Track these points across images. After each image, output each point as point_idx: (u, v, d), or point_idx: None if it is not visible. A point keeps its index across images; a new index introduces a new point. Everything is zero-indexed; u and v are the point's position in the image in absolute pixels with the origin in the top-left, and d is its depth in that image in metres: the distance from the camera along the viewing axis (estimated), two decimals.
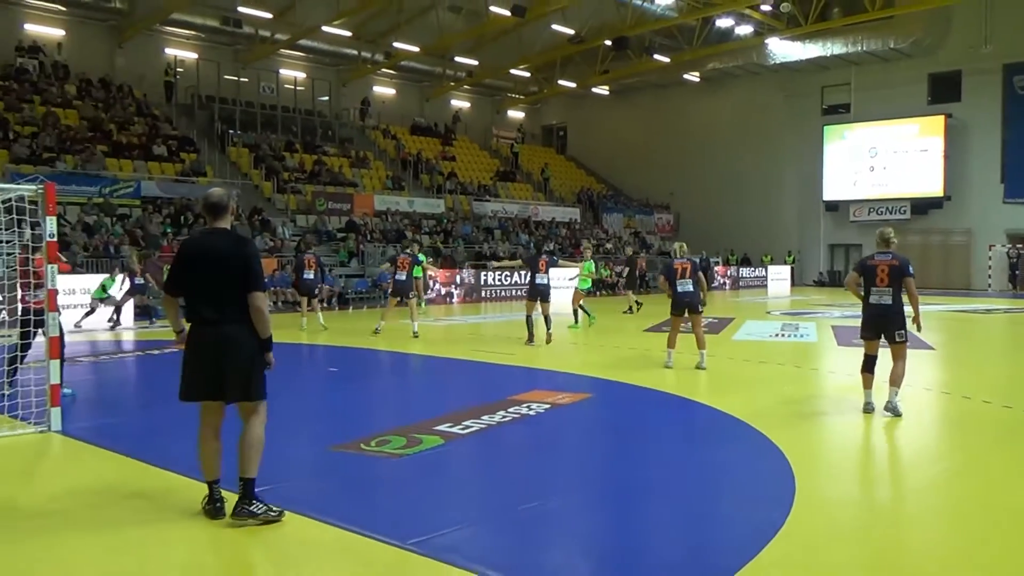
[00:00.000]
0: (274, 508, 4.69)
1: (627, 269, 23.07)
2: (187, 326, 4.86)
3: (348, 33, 31.32)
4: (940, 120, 34.03)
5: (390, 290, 15.63)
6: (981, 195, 33.47)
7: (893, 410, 7.59)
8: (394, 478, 5.79)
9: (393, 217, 30.00)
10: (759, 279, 36.22)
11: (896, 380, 7.69)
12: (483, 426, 7.14)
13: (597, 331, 16.23)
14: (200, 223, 24.00)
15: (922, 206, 34.68)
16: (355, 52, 34.94)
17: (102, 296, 16.78)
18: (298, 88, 34.94)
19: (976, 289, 33.03)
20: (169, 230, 23.15)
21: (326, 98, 36.29)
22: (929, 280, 33.76)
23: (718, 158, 40.01)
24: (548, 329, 13.68)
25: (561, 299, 18.68)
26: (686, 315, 10.80)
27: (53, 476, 6.11)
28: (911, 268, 7.70)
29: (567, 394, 8.83)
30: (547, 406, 8.10)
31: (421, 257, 15.52)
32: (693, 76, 39.02)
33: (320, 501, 5.07)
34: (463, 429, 6.99)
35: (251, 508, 4.63)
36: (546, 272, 13.62)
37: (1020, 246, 32.78)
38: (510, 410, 7.82)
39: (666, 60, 35.71)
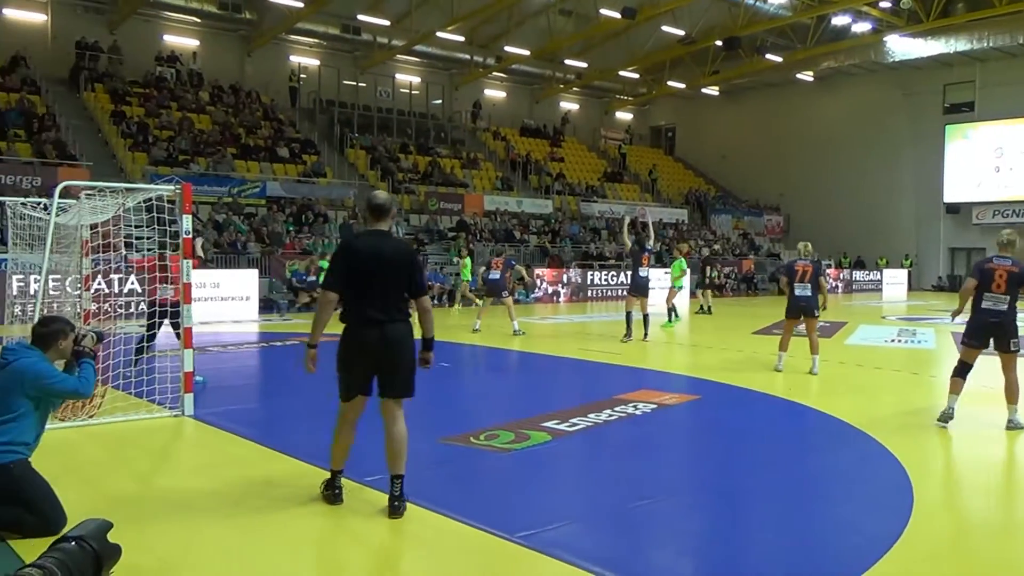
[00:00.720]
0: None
1: (705, 268, 22.95)
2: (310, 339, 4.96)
3: (461, 38, 32.14)
4: None
5: (485, 289, 16.13)
6: None
7: (1017, 426, 7.30)
8: (502, 472, 5.98)
9: (502, 217, 30.54)
10: (873, 283, 35.01)
11: (1013, 396, 7.34)
12: (589, 424, 7.30)
13: (705, 332, 16.20)
14: (319, 221, 25.12)
15: None
16: (467, 56, 35.72)
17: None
18: (413, 92, 35.97)
19: None
20: (291, 228, 24.32)
21: (439, 101, 37.21)
22: None
23: (831, 158, 38.84)
24: (646, 327, 14.11)
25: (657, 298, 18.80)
26: (801, 319, 10.54)
27: (184, 457, 6.64)
28: None
29: (674, 395, 8.91)
30: (654, 406, 8.20)
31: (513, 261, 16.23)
32: (807, 75, 38.03)
33: (431, 491, 5.20)
34: (570, 426, 7.17)
35: (406, 504, 4.79)
36: (648, 267, 14.12)
37: None
38: (616, 409, 7.95)
39: (778, 60, 34.97)
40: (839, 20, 32.91)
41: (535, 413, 7.73)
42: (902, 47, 34.57)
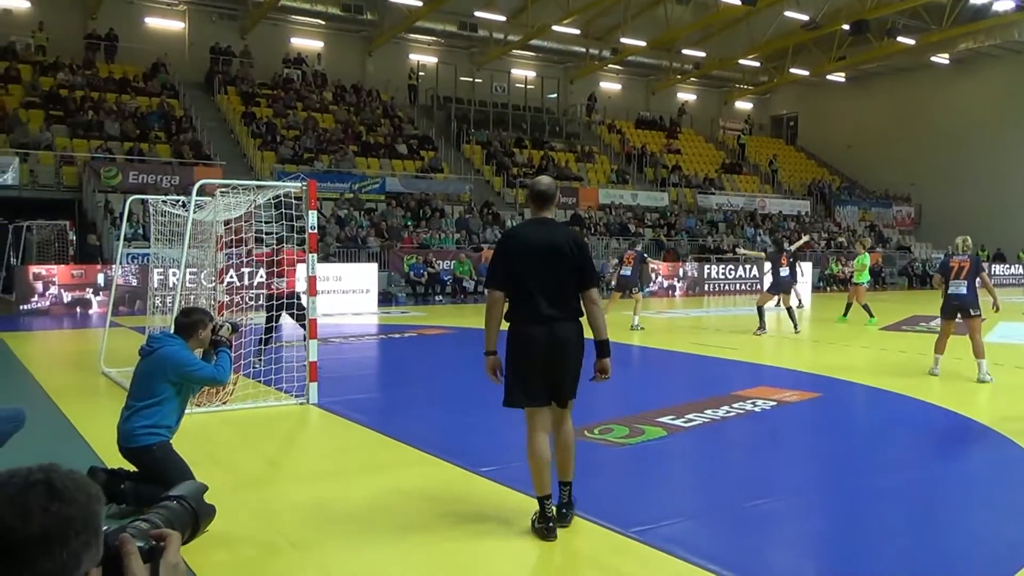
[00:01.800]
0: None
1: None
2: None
3: (576, 31, 32.04)
4: None
5: (615, 284, 16.03)
6: None
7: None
8: (617, 466, 5.96)
9: (617, 210, 30.33)
10: (1015, 277, 32.89)
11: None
12: (706, 420, 7.19)
13: (829, 328, 15.65)
14: (436, 216, 25.63)
15: None
16: (583, 49, 35.62)
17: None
18: (528, 87, 36.17)
19: None
20: (409, 223, 24.92)
21: (554, 95, 37.28)
22: None
23: (967, 146, 36.62)
24: (793, 320, 14.66)
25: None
26: (959, 318, 9.71)
27: (309, 442, 6.96)
28: None
29: (794, 392, 8.66)
30: (773, 403, 8.00)
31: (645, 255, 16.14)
32: (942, 58, 35.95)
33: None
34: (686, 422, 7.08)
35: (575, 512, 4.49)
36: (787, 265, 14.86)
37: None
38: (735, 405, 7.80)
39: (911, 42, 33.22)
40: None
41: (650, 408, 7.68)
42: None
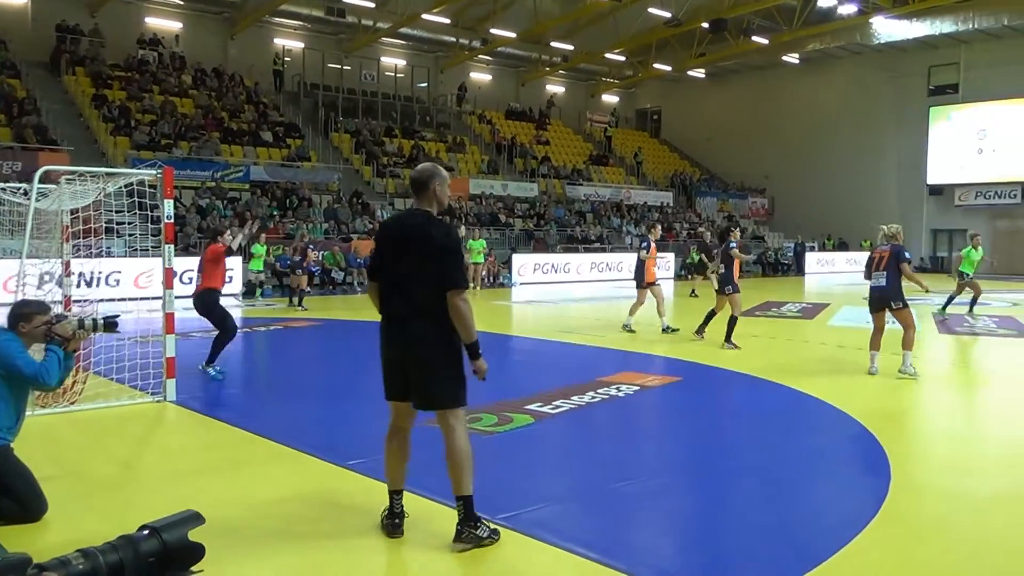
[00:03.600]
0: (494, 529, 4.23)
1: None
2: None
3: (447, 20, 31.94)
4: None
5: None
6: None
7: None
8: (486, 454, 5.87)
9: (487, 201, 30.51)
10: (857, 264, 35.19)
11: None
12: (573, 406, 7.36)
13: (688, 315, 16.27)
14: (304, 206, 25.06)
15: None
16: (453, 39, 35.55)
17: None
18: (398, 75, 35.80)
19: None
20: (275, 213, 24.23)
21: (424, 84, 37.07)
22: None
23: (817, 141, 38.98)
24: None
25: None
26: (884, 311, 9.23)
27: (165, 441, 6.64)
28: None
29: (656, 376, 8.99)
30: (636, 388, 8.28)
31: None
32: (793, 58, 38.06)
33: (410, 475, 5.05)
34: (553, 409, 7.22)
35: (476, 532, 4.11)
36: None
37: None
38: (599, 391, 8.01)
39: (765, 42, 34.97)
40: (825, 2, 32.92)
41: (519, 396, 7.77)
42: (887, 29, 34.64)
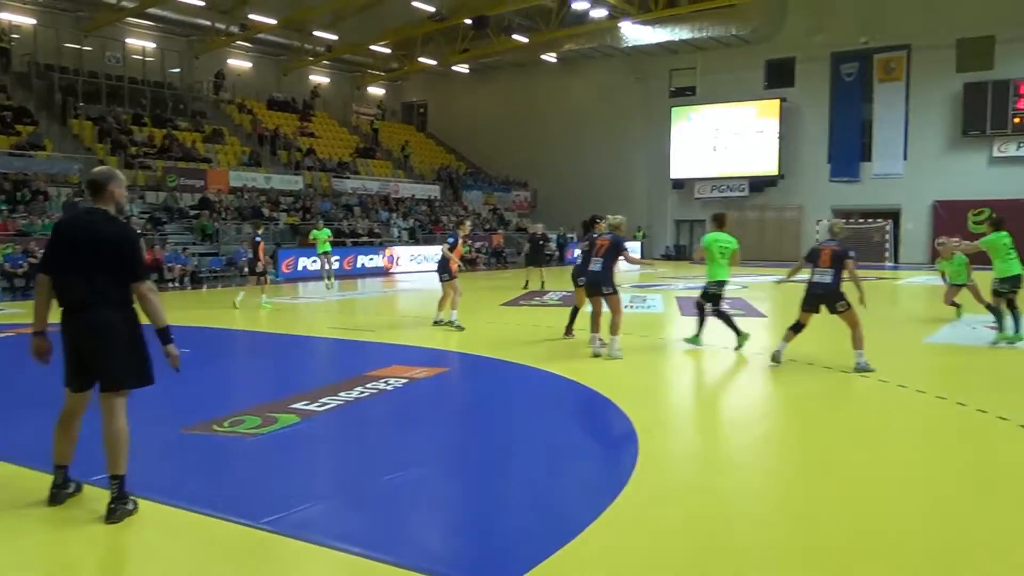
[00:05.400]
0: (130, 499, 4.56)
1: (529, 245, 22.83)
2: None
3: (200, 2, 30.13)
4: (776, 104, 36.28)
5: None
6: (811, 174, 36.02)
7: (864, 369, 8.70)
8: (248, 458, 5.83)
9: (250, 194, 29.28)
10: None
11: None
12: (340, 402, 7.30)
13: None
14: (39, 199, 22.79)
15: (759, 184, 36.90)
16: (208, 23, 33.60)
17: None
18: (147, 59, 33.34)
19: None
20: (4, 207, 21.80)
21: (177, 70, 34.82)
22: (766, 252, 36.29)
23: (574, 137, 41.11)
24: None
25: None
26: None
27: None
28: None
29: (425, 368, 9.09)
30: (404, 380, 8.34)
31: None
32: (551, 57, 39.84)
33: (170, 485, 5.01)
34: (320, 406, 7.12)
35: (127, 507, 4.49)
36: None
37: (844, 221, 35.49)
38: (368, 386, 8.00)
39: (524, 40, 36.29)
40: (579, 5, 34.68)
41: (283, 395, 7.60)
42: (634, 33, 37.16)
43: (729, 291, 11.11)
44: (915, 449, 6.14)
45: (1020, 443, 6.17)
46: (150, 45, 33.75)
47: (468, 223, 14.10)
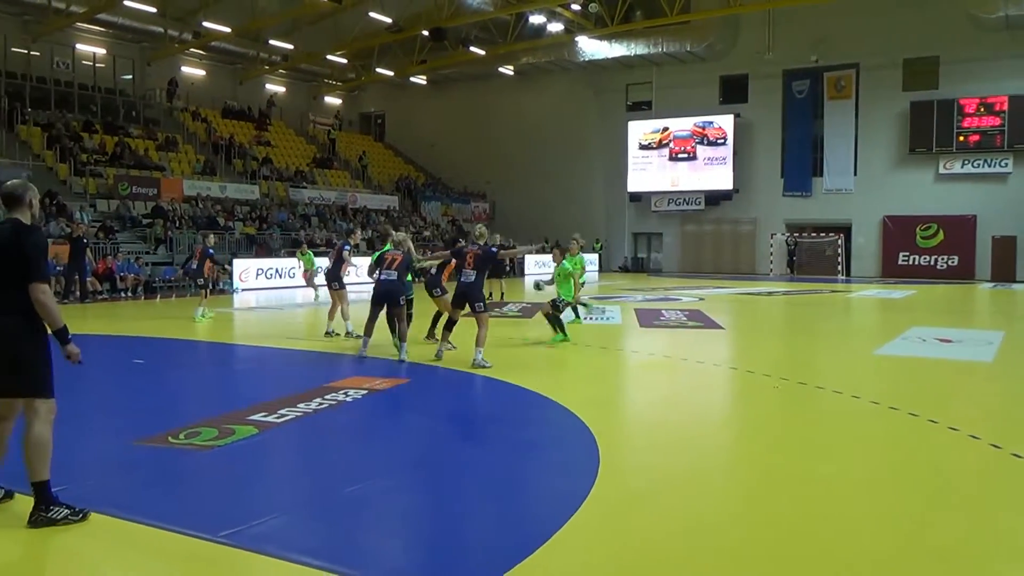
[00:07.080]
0: (76, 509, 4.51)
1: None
2: None
3: (152, 9, 29.64)
4: (730, 119, 36.77)
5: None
6: (764, 189, 36.60)
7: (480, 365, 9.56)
8: (205, 470, 5.73)
9: (204, 203, 28.86)
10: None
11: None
12: (299, 414, 7.20)
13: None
14: None
15: (714, 198, 37.29)
16: (161, 30, 33.12)
17: None
18: (98, 65, 32.74)
19: (760, 273, 36.08)
20: None
21: (129, 77, 34.24)
22: (721, 265, 36.84)
23: (533, 149, 41.25)
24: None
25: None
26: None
27: None
28: None
29: (385, 379, 9.05)
30: (365, 391, 8.28)
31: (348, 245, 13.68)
32: (508, 70, 39.99)
33: (125, 498, 4.92)
34: (278, 418, 7.02)
35: (49, 515, 4.45)
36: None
37: (796, 235, 36.23)
38: (327, 397, 7.92)
39: (482, 53, 36.37)
40: (536, 19, 34.88)
41: (241, 406, 7.48)
42: (591, 48, 37.51)
43: (688, 304, 11.22)
44: (873, 459, 6.26)
45: (971, 452, 6.32)
46: (101, 51, 33.15)
47: (358, 232, 15.34)
